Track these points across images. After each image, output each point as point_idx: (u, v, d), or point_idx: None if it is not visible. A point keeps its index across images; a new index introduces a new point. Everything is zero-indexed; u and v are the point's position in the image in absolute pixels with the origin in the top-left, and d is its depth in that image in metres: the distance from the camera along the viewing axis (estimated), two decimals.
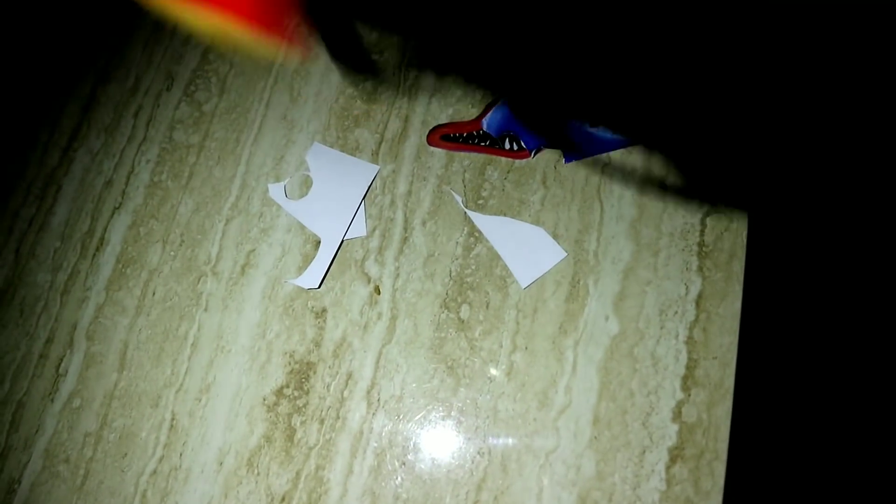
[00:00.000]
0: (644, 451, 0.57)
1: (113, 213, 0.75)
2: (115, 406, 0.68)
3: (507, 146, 0.68)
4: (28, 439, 0.68)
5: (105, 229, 0.75)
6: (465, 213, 0.66)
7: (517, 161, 0.67)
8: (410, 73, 0.74)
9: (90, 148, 0.79)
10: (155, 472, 0.65)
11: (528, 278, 0.63)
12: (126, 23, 0.85)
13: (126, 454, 0.66)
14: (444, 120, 0.71)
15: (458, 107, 0.71)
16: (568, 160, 0.66)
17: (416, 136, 0.71)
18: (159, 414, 0.66)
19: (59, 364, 0.70)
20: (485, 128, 0.69)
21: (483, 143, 0.68)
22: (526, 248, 0.64)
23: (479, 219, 0.66)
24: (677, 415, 0.57)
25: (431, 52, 0.74)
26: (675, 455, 0.56)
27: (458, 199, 0.67)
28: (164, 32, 0.83)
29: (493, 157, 0.68)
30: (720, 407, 0.57)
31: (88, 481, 0.66)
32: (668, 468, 0.56)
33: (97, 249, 0.74)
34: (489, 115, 0.69)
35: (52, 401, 0.69)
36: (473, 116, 0.70)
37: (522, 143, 0.67)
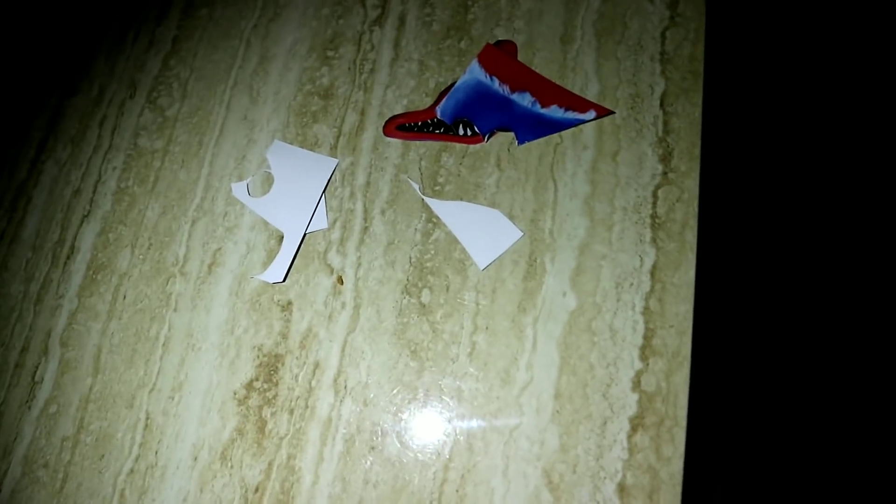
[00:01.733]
0: (606, 422, 0.58)
1: (82, 222, 0.76)
2: (90, 409, 0.69)
3: (462, 132, 0.69)
4: (7, 447, 0.69)
5: (75, 237, 0.76)
6: (423, 199, 0.67)
7: (471, 146, 0.68)
8: (365, 67, 0.75)
9: (58, 159, 0.80)
10: (132, 471, 0.66)
11: (486, 259, 0.64)
12: (88, 34, 0.86)
13: (103, 455, 0.67)
14: (399, 110, 0.72)
15: (412, 97, 0.72)
16: (521, 142, 0.67)
17: (373, 127, 0.72)
18: (134, 414, 0.67)
19: (35, 372, 0.71)
20: (439, 115, 0.70)
21: (438, 131, 0.69)
22: (483, 230, 0.65)
23: (436, 204, 0.67)
24: (636, 384, 0.58)
25: (385, 46, 0.75)
26: (635, 424, 0.57)
27: (416, 186, 0.68)
28: (125, 41, 0.84)
29: (448, 143, 0.69)
30: (678, 374, 0.58)
31: (67, 484, 0.67)
32: (629, 437, 0.57)
33: (68, 258, 0.75)
34: (442, 102, 0.70)
35: (30, 408, 0.70)
36: (427, 105, 0.71)
37: (476, 128, 0.68)
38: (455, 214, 0.66)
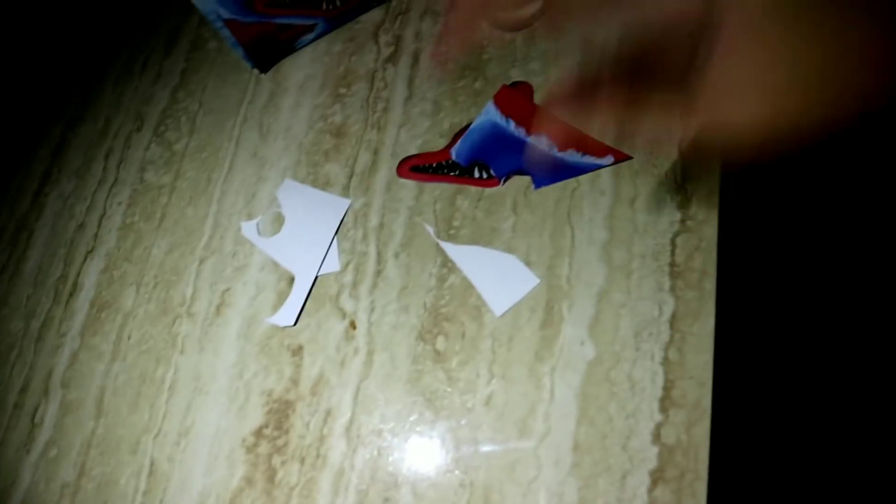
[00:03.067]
0: (625, 476, 0.57)
1: (86, 258, 0.75)
2: (92, 454, 0.67)
3: (477, 174, 0.68)
4: (4, 492, 0.67)
5: (78, 274, 0.74)
6: (438, 243, 0.67)
7: (487, 189, 0.68)
8: (378, 106, 0.74)
9: (61, 192, 0.79)
10: None
11: (503, 307, 0.63)
12: (94, 64, 0.85)
13: (105, 503, 0.65)
14: (413, 151, 0.71)
15: (426, 137, 0.71)
16: (537, 186, 0.67)
17: (387, 168, 0.71)
18: (138, 460, 0.65)
19: (35, 413, 0.69)
20: (454, 157, 0.69)
21: (453, 173, 0.69)
22: (499, 276, 0.64)
23: (451, 249, 0.66)
24: (656, 437, 0.57)
25: (398, 84, 0.75)
26: (656, 477, 0.56)
27: (430, 229, 0.67)
28: (132, 73, 0.83)
29: (464, 186, 0.68)
30: (699, 426, 0.57)
31: None
32: (650, 491, 0.56)
33: (71, 295, 0.73)
34: (457, 144, 0.69)
35: (28, 451, 0.68)
36: (442, 146, 0.70)
37: (492, 171, 0.68)
38: (471, 259, 0.65)
